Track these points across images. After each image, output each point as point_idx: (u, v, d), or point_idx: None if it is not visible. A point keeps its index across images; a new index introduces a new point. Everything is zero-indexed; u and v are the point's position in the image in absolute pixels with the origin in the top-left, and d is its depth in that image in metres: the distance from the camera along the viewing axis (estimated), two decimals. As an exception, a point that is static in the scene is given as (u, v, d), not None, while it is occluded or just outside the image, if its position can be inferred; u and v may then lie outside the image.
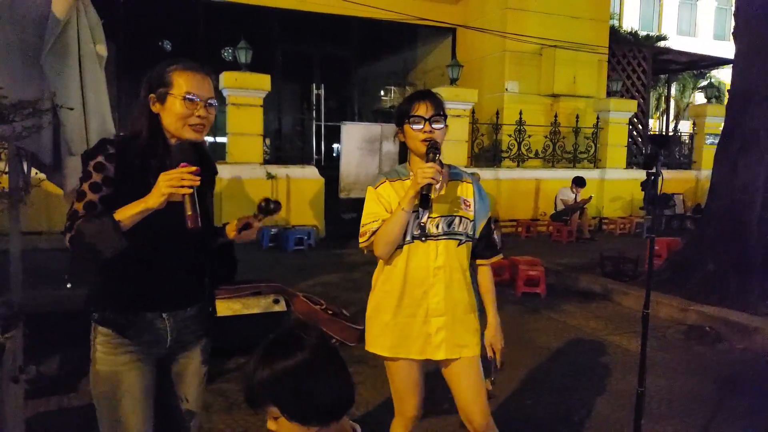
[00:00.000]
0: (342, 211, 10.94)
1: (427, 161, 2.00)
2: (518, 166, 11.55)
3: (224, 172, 9.79)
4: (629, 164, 12.56)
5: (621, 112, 11.99)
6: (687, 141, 13.67)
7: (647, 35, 23.54)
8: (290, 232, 9.40)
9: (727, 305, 5.37)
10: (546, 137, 11.76)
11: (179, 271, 1.88)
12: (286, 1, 12.02)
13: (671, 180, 12.73)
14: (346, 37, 13.93)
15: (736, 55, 6.27)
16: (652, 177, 2.07)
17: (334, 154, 14.03)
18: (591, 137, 12.04)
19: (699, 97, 27.75)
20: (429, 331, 2.15)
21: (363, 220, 2.16)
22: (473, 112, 11.31)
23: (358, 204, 10.54)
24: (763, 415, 3.57)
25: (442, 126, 2.11)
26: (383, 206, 2.14)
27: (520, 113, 11.37)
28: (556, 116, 11.78)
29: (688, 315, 5.32)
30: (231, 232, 1.98)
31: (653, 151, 2.08)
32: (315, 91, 12.13)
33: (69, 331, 2.77)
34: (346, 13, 12.35)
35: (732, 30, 6.38)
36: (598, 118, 12.09)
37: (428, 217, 2.10)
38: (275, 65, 12.35)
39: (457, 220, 2.16)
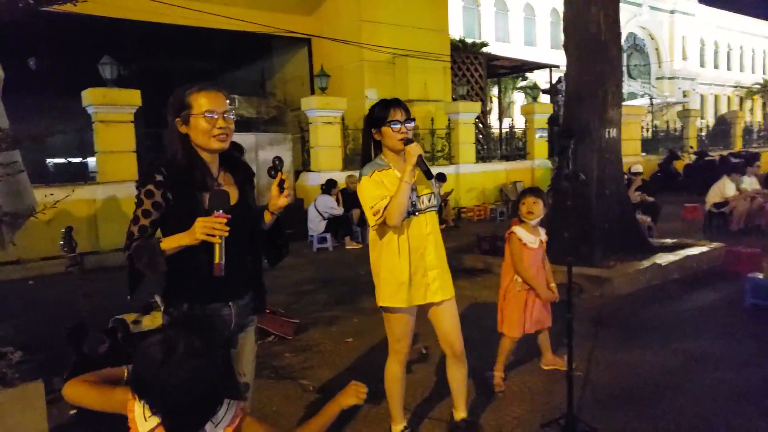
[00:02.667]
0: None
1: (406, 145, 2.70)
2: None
3: (97, 192, 9.59)
4: (477, 159, 14.17)
5: (468, 113, 13.52)
6: (521, 135, 15.67)
7: (473, 42, 26.05)
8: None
9: (581, 264, 6.68)
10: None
11: (238, 264, 2.18)
12: (147, 14, 11.90)
13: (513, 170, 14.60)
14: (208, 49, 14.05)
15: (568, 64, 7.69)
16: (566, 159, 3.00)
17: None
18: (445, 137, 13.42)
19: (518, 96, 31.13)
20: (428, 282, 2.88)
21: (369, 203, 2.74)
22: (343, 119, 12.12)
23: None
24: (621, 337, 4.80)
25: (412, 125, 2.83)
26: (384, 187, 2.74)
27: (384, 118, 12.41)
28: (414, 120, 12.96)
29: (557, 275, 6.55)
30: (274, 203, 2.25)
31: (564, 142, 3.01)
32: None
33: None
34: (207, 26, 12.52)
35: (563, 43, 7.80)
36: (449, 119, 13.51)
37: (417, 196, 2.82)
38: (147, 79, 12.16)
39: (432, 196, 2.92)
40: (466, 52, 16.78)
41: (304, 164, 12.67)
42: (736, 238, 8.84)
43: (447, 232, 10.97)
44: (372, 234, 2.94)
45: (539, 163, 14.98)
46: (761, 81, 47.06)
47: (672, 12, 40.25)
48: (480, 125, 15.86)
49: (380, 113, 2.80)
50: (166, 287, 2.21)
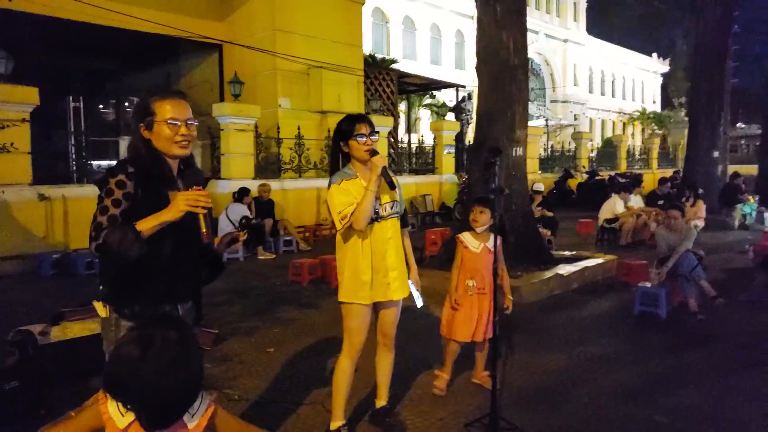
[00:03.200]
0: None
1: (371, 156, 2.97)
2: (299, 176, 12.58)
3: (-16, 197, 8.93)
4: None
5: (381, 127, 13.82)
6: (430, 151, 16.20)
7: (383, 58, 26.59)
8: (77, 256, 8.90)
9: (492, 275, 7.10)
10: (322, 150, 13.01)
11: (187, 270, 2.29)
12: (47, 8, 11.23)
13: (422, 183, 15.06)
14: (112, 48, 13.45)
15: (479, 86, 8.14)
16: (492, 175, 3.26)
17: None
18: (358, 149, 13.63)
19: (423, 113, 32.06)
20: (388, 281, 3.13)
21: (337, 209, 2.98)
22: (256, 126, 12.02)
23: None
24: (532, 342, 5.16)
25: (376, 138, 3.09)
26: (351, 195, 2.97)
27: (299, 128, 12.42)
28: (329, 131, 13.09)
29: (468, 285, 6.90)
30: (220, 245, 2.46)
31: (490, 158, 3.27)
32: (72, 104, 11.39)
33: None
34: (113, 24, 12.00)
35: (475, 66, 8.25)
36: (362, 132, 13.74)
37: (380, 204, 3.05)
38: (46, 77, 11.42)
39: (395, 203, 3.15)
40: (379, 68, 17.15)
41: (213, 171, 12.42)
42: (624, 251, 9.67)
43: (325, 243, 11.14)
44: (338, 237, 3.16)
45: (447, 177, 15.54)
46: (640, 109, 51.42)
47: (565, 41, 43.10)
48: (391, 139, 16.25)
49: (347, 128, 3.05)
50: (117, 288, 2.21)
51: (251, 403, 3.89)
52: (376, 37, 34.66)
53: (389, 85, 16.55)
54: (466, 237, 4.00)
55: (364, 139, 3.01)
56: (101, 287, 2.23)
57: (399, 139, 17.45)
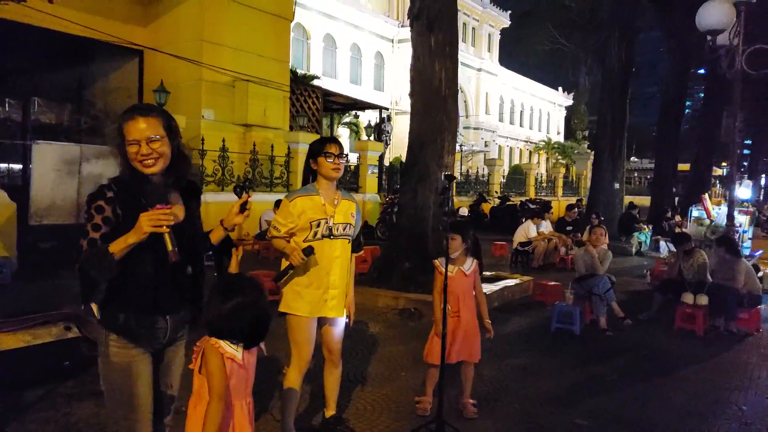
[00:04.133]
0: (39, 239, 10.01)
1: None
2: (222, 190, 12.45)
3: None
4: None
5: (307, 143, 13.91)
6: (353, 170, 16.48)
7: (305, 74, 26.73)
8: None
9: (420, 291, 7.42)
10: (246, 164, 12.97)
11: (177, 279, 2.32)
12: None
13: (345, 202, 15.26)
14: (21, 45, 12.72)
15: (412, 112, 8.53)
16: (447, 199, 3.58)
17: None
18: (284, 165, 13.70)
19: (343, 131, 32.43)
20: (327, 298, 3.28)
21: (274, 223, 3.22)
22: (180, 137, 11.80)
23: (56, 231, 9.90)
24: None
25: (343, 161, 3.32)
26: (292, 217, 3.17)
27: (223, 141, 12.34)
28: (254, 145, 13.10)
29: (399, 301, 7.20)
30: (230, 219, 2.46)
31: (445, 183, 3.60)
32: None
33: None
34: (23, 21, 11.36)
35: (409, 92, 8.65)
36: (289, 148, 13.84)
37: (334, 223, 3.25)
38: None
39: (348, 226, 3.34)
40: (304, 85, 17.31)
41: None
42: (536, 272, 10.35)
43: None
44: None
45: (370, 197, 15.89)
46: (545, 138, 54.51)
47: (479, 70, 45.05)
48: (315, 157, 16.36)
49: (318, 147, 3.28)
50: (105, 298, 2.25)
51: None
52: (296, 53, 34.58)
53: (314, 102, 16.75)
54: (442, 262, 3.96)
55: (333, 159, 3.22)
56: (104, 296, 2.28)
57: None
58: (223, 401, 2.12)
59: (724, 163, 43.08)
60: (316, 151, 3.28)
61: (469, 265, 4.04)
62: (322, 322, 3.37)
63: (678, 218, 16.05)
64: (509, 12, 49.10)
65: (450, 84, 8.29)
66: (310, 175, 3.34)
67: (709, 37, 6.85)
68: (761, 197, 31.09)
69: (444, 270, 3.67)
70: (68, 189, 10.24)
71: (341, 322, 3.45)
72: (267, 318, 2.23)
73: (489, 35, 48.05)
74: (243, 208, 2.47)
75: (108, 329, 2.25)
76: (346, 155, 3.39)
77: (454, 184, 19.48)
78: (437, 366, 3.82)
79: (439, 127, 8.17)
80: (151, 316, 2.29)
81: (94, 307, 2.30)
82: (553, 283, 8.25)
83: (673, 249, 8.86)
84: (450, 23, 8.39)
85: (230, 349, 2.18)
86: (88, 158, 10.73)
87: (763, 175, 31.22)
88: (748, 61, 6.64)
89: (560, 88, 59.50)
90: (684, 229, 12.77)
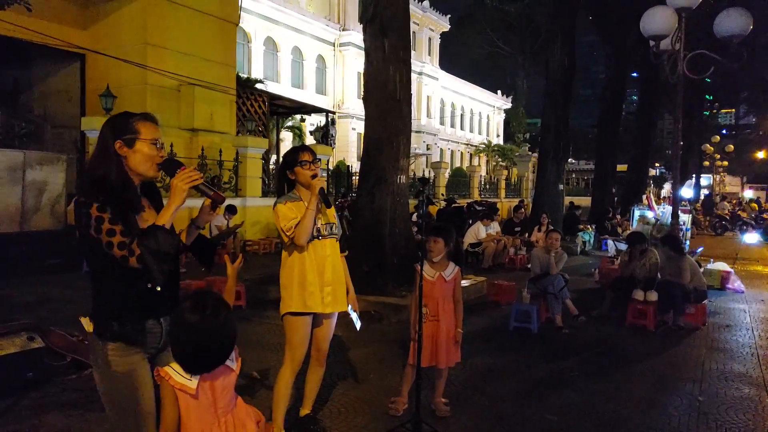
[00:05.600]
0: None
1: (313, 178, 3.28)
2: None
3: None
4: (263, 193, 14.43)
5: (256, 148, 13.80)
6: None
7: (247, 78, 26.37)
8: None
9: (379, 294, 7.46)
10: (195, 169, 12.63)
11: (166, 284, 2.29)
12: None
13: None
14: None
15: (366, 116, 8.57)
16: (423, 203, 3.62)
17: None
18: (232, 170, 13.48)
19: (286, 134, 32.17)
20: (323, 295, 3.37)
21: (282, 223, 3.27)
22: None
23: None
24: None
25: (318, 164, 3.42)
26: (295, 212, 3.27)
27: (171, 146, 11.99)
28: (203, 149, 12.83)
29: (360, 304, 7.18)
30: (201, 217, 2.45)
31: (420, 186, 3.65)
32: None
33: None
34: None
35: (362, 97, 8.68)
36: (237, 152, 13.62)
37: (321, 223, 3.35)
38: None
39: (333, 225, 3.46)
40: (250, 89, 17.09)
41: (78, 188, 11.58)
42: (487, 272, 10.56)
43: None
44: (284, 253, 3.42)
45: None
46: (485, 141, 55.71)
47: (420, 74, 45.61)
48: (263, 160, 16.22)
49: (292, 157, 3.38)
50: (98, 306, 2.23)
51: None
52: (238, 56, 33.83)
53: (261, 106, 16.56)
54: (424, 267, 3.99)
55: (308, 165, 3.33)
56: (93, 305, 2.24)
57: (271, 160, 17.45)
58: None
59: (657, 164, 45.30)
60: (291, 161, 3.38)
61: (450, 270, 4.06)
62: (317, 321, 3.46)
63: (618, 218, 16.74)
64: (449, 16, 49.96)
65: (405, 87, 8.38)
66: (285, 186, 3.45)
67: (652, 43, 7.19)
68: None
69: (424, 273, 3.72)
70: (11, 196, 9.81)
71: (333, 319, 3.55)
72: (209, 345, 2.02)
73: (429, 39, 48.78)
74: (214, 205, 2.45)
75: (105, 339, 2.19)
76: (319, 159, 3.44)
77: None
78: (413, 366, 3.86)
79: (395, 130, 8.24)
80: (147, 320, 2.26)
81: (84, 321, 2.23)
82: (506, 282, 8.44)
83: (620, 248, 9.22)
84: (403, 27, 8.49)
85: (180, 379, 2.01)
86: (32, 165, 10.29)
87: (693, 175, 32.97)
88: (688, 65, 7.02)
89: (499, 92, 60.96)
90: (627, 230, 13.33)
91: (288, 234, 3.26)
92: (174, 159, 2.31)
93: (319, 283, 3.35)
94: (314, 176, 3.31)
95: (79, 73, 14.15)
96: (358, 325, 3.73)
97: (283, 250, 3.45)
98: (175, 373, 2.00)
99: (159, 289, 2.22)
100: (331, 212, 3.51)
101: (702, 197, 32.43)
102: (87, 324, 2.22)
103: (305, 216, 3.23)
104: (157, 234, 2.09)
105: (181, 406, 2.01)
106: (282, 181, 3.48)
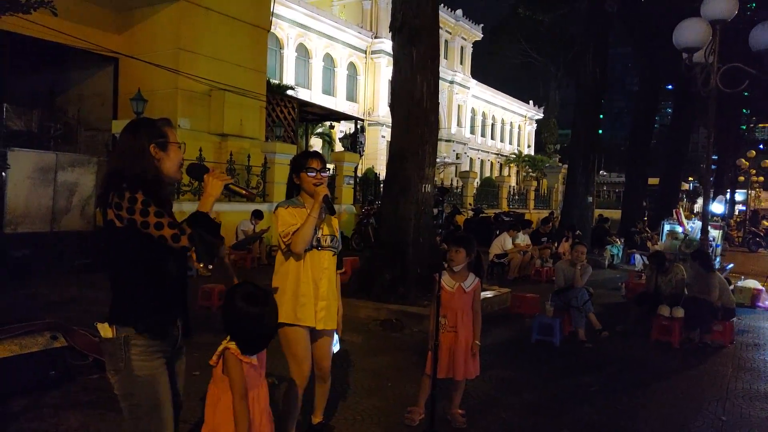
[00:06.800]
0: (12, 247, 9.78)
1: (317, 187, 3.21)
2: (198, 199, 12.25)
3: None
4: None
5: (284, 154, 13.91)
6: (330, 181, 16.46)
7: (278, 84, 26.67)
8: None
9: (401, 303, 7.44)
10: (222, 173, 12.78)
11: (181, 285, 2.39)
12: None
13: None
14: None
15: (393, 124, 8.58)
16: (441, 212, 3.60)
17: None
18: (260, 175, 13.62)
19: (315, 141, 32.42)
20: (317, 310, 3.28)
21: (281, 229, 3.17)
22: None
23: (30, 239, 9.68)
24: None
25: (326, 174, 3.32)
26: (296, 218, 3.18)
27: (200, 150, 12.20)
28: (231, 154, 12.99)
29: (380, 312, 7.21)
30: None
31: (439, 196, 3.63)
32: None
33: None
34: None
35: (389, 103, 8.70)
36: (265, 158, 13.76)
37: (323, 234, 3.27)
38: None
39: (334, 238, 3.37)
40: (281, 95, 17.27)
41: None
42: (512, 284, 10.44)
43: (263, 269, 11.10)
44: (278, 259, 3.32)
45: (346, 208, 15.87)
46: (516, 151, 55.28)
47: (451, 82, 45.55)
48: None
49: (301, 161, 3.29)
50: (124, 303, 2.25)
51: (191, 425, 3.89)
52: (270, 62, 34.26)
53: (290, 112, 16.71)
54: (443, 277, 3.98)
55: (314, 173, 3.23)
56: (115, 308, 2.26)
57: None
58: (246, 399, 2.34)
59: (690, 178, 44.38)
60: (298, 166, 3.30)
61: (470, 282, 4.02)
62: (313, 337, 3.35)
63: (648, 231, 16.41)
64: (482, 25, 49.81)
65: (431, 97, 8.37)
66: (294, 190, 3.36)
67: (685, 55, 7.06)
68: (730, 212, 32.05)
69: (444, 284, 3.69)
70: (43, 197, 10.09)
71: (331, 337, 3.46)
72: (275, 331, 2.49)
73: (461, 48, 48.66)
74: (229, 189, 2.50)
75: (132, 335, 2.22)
76: (328, 169, 3.39)
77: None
78: (431, 376, 3.81)
79: (421, 139, 8.23)
80: (167, 323, 2.32)
81: (101, 327, 2.25)
82: (531, 295, 8.35)
83: (647, 262, 9.05)
84: (432, 36, 8.48)
85: (246, 355, 2.37)
86: (64, 166, 10.57)
87: (728, 190, 32.21)
88: (722, 79, 6.87)
89: (531, 102, 60.46)
90: (656, 245, 13.07)
91: (285, 240, 3.15)
92: (200, 164, 2.42)
93: (313, 295, 3.25)
94: (317, 183, 3.21)
95: (112, 77, 14.46)
96: (336, 348, 3.58)
97: (277, 255, 3.34)
98: (238, 350, 2.34)
99: (210, 267, 2.33)
100: (335, 223, 3.39)
101: (737, 212, 31.65)
102: (104, 330, 2.24)
103: (306, 223, 3.13)
104: (204, 218, 2.24)
105: (246, 374, 2.36)
106: (291, 185, 3.37)
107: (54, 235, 10.08)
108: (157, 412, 2.28)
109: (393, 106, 8.60)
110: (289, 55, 35.69)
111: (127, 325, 2.23)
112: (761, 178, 36.57)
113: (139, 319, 2.23)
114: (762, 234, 22.71)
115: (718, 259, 10.30)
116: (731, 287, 7.79)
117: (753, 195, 38.91)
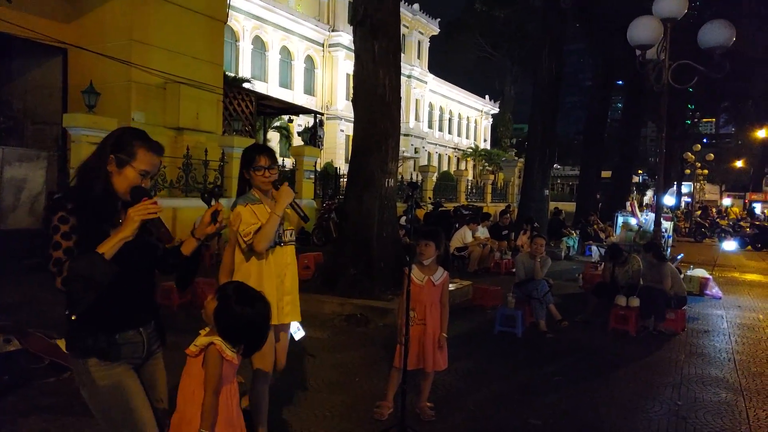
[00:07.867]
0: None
1: (278, 189, 3.17)
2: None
3: None
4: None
5: (242, 148, 13.60)
6: (289, 175, 16.30)
7: (234, 77, 26.18)
8: None
9: (365, 297, 7.45)
10: (178, 168, 12.54)
11: (142, 292, 2.31)
12: None
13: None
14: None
15: (355, 119, 8.55)
16: (412, 207, 3.63)
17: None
18: (218, 170, 13.38)
19: (273, 135, 32.03)
20: (282, 305, 3.28)
21: (242, 228, 3.12)
22: (111, 140, 11.30)
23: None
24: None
25: (275, 171, 3.25)
26: (256, 217, 3.14)
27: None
28: (188, 149, 12.71)
29: (345, 307, 7.19)
30: (202, 230, 2.42)
31: (410, 191, 3.65)
32: None
33: None
34: None
35: (352, 99, 8.66)
36: (223, 152, 13.52)
37: (284, 229, 3.26)
38: None
39: (293, 233, 3.38)
40: (238, 88, 16.99)
41: (60, 185, 11.42)
42: (472, 277, 10.59)
43: (217, 266, 10.88)
44: (238, 257, 3.24)
45: (306, 202, 15.72)
46: (472, 145, 55.92)
47: (409, 77, 45.66)
48: (247, 161, 16.06)
49: (249, 156, 3.23)
50: (75, 319, 2.15)
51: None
52: (226, 55, 33.54)
53: (248, 105, 16.45)
54: (413, 270, 3.98)
55: (263, 171, 3.19)
56: (68, 325, 2.18)
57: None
58: (217, 395, 2.34)
59: (640, 171, 45.76)
60: (247, 161, 3.25)
61: (439, 275, 4.06)
62: (275, 330, 3.32)
63: (600, 223, 16.85)
64: (438, 20, 50.10)
65: (394, 91, 8.38)
66: (246, 184, 3.29)
67: (638, 52, 7.27)
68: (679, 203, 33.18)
69: (413, 277, 3.71)
70: (-12, 193, 9.66)
71: (287, 331, 3.47)
72: (261, 333, 2.45)
73: (419, 42, 48.86)
74: (215, 218, 2.43)
75: (82, 356, 2.16)
76: (278, 165, 3.33)
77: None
78: (399, 370, 3.84)
79: (384, 134, 8.24)
80: (126, 331, 2.24)
81: (61, 343, 2.20)
82: (493, 287, 8.47)
83: (603, 253, 9.30)
84: (393, 30, 8.49)
85: (230, 353, 2.35)
86: (11, 161, 10.15)
87: (675, 182, 33.34)
88: (672, 75, 7.11)
89: (487, 96, 61.20)
90: (611, 237, 13.43)
91: (246, 239, 3.10)
92: (142, 187, 2.20)
93: (276, 293, 3.21)
94: (275, 181, 3.18)
95: (61, 69, 13.91)
96: (301, 333, 3.61)
97: (236, 253, 3.26)
98: (225, 348, 2.33)
99: (74, 318, 2.14)
100: (295, 217, 3.37)
101: (683, 204, 32.81)
102: (63, 345, 2.20)
103: (269, 221, 3.09)
104: (94, 260, 2.00)
105: (224, 371, 2.37)
106: (242, 180, 3.30)
107: (1, 233, 9.67)
108: (132, 417, 2.21)
109: (355, 100, 8.57)
110: (246, 48, 35.14)
111: (73, 352, 2.20)
112: (706, 171, 38.01)
113: (78, 341, 2.17)
114: (707, 225, 23.63)
115: (669, 249, 10.66)
116: (681, 276, 8.08)
117: (698, 187, 40.42)
